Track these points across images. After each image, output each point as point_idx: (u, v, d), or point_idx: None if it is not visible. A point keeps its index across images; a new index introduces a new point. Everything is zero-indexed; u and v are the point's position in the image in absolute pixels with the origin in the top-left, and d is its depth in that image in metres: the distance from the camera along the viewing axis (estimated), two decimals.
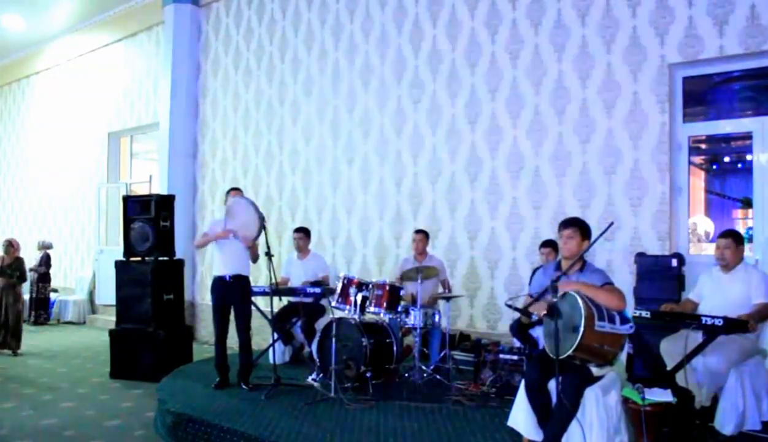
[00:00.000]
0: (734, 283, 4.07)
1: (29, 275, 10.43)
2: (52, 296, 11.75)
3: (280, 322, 6.05)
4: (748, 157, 6.26)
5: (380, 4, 7.50)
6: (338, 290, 5.46)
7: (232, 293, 5.39)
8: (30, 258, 10.62)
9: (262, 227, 5.24)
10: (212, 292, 5.50)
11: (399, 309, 5.48)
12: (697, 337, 3.92)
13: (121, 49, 11.18)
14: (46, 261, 10.90)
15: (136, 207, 6.98)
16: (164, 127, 9.54)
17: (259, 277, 7.72)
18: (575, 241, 3.61)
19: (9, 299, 8.00)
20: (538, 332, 4.49)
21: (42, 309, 10.91)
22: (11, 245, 8.24)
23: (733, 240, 4.10)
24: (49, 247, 11.12)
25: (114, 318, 6.95)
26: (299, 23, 8.32)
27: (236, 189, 5.73)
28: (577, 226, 3.65)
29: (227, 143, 9.15)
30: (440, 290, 6.12)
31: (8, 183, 14.20)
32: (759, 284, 3.96)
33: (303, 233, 6.63)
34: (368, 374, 5.11)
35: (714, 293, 4.16)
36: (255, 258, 5.49)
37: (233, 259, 5.40)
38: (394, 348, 5.43)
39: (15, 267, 8.15)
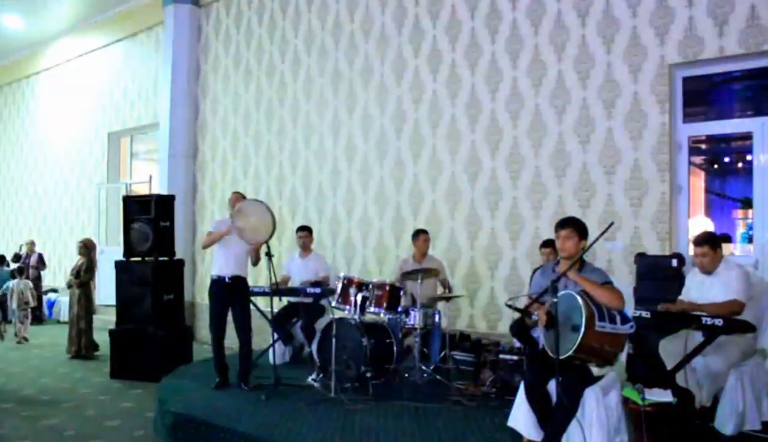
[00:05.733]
0: (715, 285, 4.09)
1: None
2: (52, 295, 11.75)
3: (280, 322, 6.05)
4: (748, 157, 6.26)
5: (380, 4, 7.50)
6: (338, 290, 5.47)
7: (231, 294, 5.38)
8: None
9: (273, 231, 5.21)
10: (210, 292, 5.49)
11: (399, 309, 5.48)
12: (697, 337, 3.92)
13: (121, 50, 11.18)
14: (39, 261, 10.88)
15: (136, 207, 7.00)
16: (164, 127, 9.55)
17: (259, 277, 7.72)
18: (573, 241, 3.60)
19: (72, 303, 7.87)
20: (538, 332, 4.49)
21: (34, 308, 10.81)
22: (85, 247, 8.03)
23: (710, 247, 4.11)
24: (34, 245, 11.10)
25: (114, 318, 6.96)
26: (299, 23, 8.32)
27: (237, 193, 5.71)
28: (574, 226, 3.65)
29: (227, 143, 9.15)
30: (440, 290, 6.12)
31: (8, 183, 14.19)
32: (735, 282, 3.96)
33: (307, 231, 6.65)
34: (368, 375, 5.11)
35: (698, 296, 4.16)
36: (256, 261, 5.48)
37: (233, 260, 5.39)
38: (394, 348, 5.43)
39: (77, 268, 7.93)
